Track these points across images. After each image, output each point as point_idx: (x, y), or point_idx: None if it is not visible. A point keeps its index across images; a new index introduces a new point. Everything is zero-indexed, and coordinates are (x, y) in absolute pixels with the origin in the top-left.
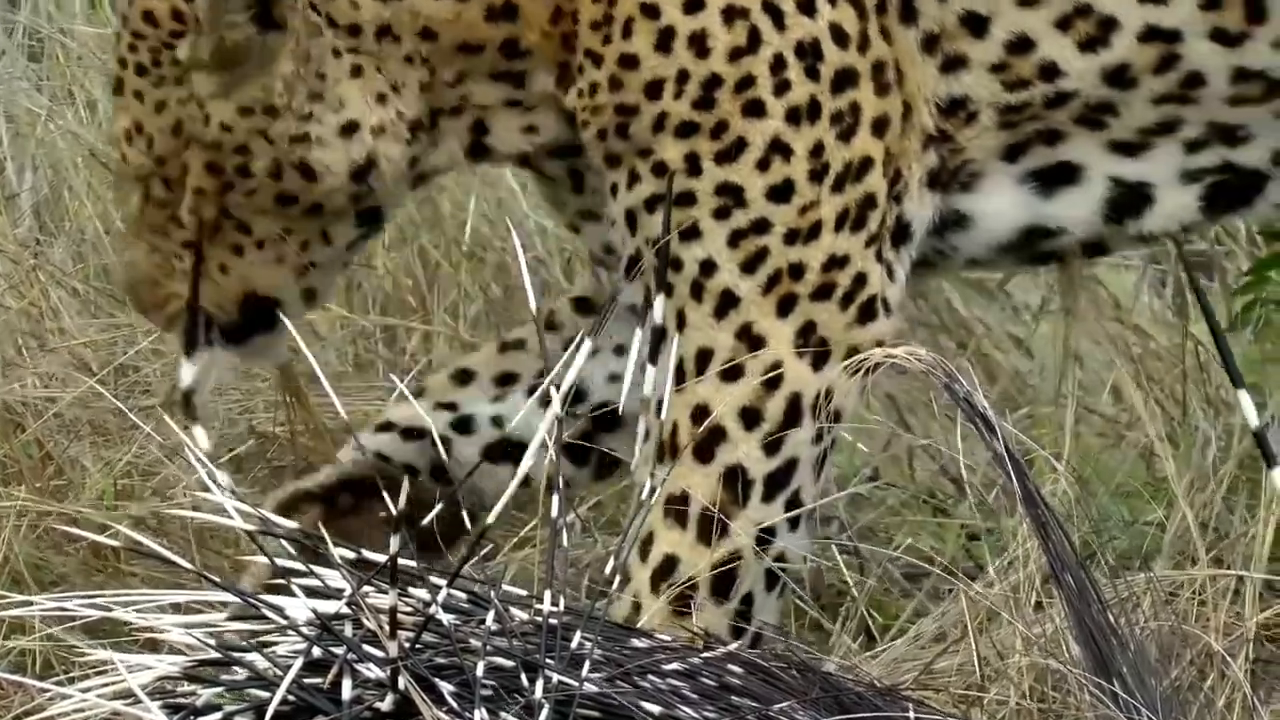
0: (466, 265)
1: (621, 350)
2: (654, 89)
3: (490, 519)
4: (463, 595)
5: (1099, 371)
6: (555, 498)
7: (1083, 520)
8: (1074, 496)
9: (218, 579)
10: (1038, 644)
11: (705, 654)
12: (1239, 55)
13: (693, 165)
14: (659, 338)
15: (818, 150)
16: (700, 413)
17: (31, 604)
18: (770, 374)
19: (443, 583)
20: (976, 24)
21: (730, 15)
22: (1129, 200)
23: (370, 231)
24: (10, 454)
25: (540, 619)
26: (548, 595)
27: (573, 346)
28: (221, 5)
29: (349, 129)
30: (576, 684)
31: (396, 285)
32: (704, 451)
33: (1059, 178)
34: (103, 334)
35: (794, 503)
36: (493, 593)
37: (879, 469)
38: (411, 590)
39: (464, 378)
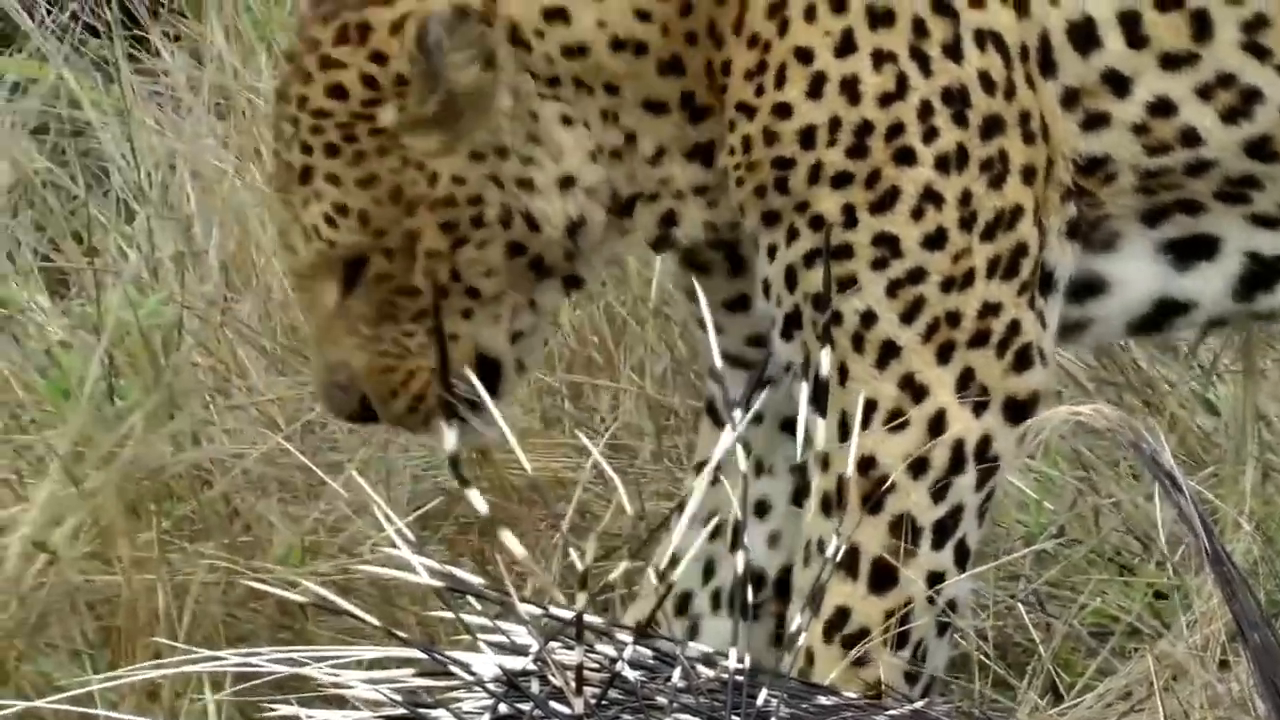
0: (653, 322)
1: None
2: (808, 137)
3: (675, 574)
4: (649, 652)
5: None
6: (740, 555)
7: (1269, 578)
8: (1259, 555)
9: (404, 635)
10: (1224, 702)
11: (890, 711)
12: None
13: (849, 217)
14: (823, 391)
15: (966, 198)
16: (867, 463)
17: (220, 660)
18: (934, 422)
19: (629, 639)
20: (1118, 83)
21: (879, 59)
22: (1263, 275)
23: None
24: (198, 511)
25: (726, 676)
26: (733, 652)
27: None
28: (440, 58)
29: (566, 182)
30: None
31: (583, 342)
32: (872, 502)
33: (1196, 250)
34: (290, 390)
35: (961, 549)
36: (679, 649)
37: (1065, 526)
38: (598, 646)
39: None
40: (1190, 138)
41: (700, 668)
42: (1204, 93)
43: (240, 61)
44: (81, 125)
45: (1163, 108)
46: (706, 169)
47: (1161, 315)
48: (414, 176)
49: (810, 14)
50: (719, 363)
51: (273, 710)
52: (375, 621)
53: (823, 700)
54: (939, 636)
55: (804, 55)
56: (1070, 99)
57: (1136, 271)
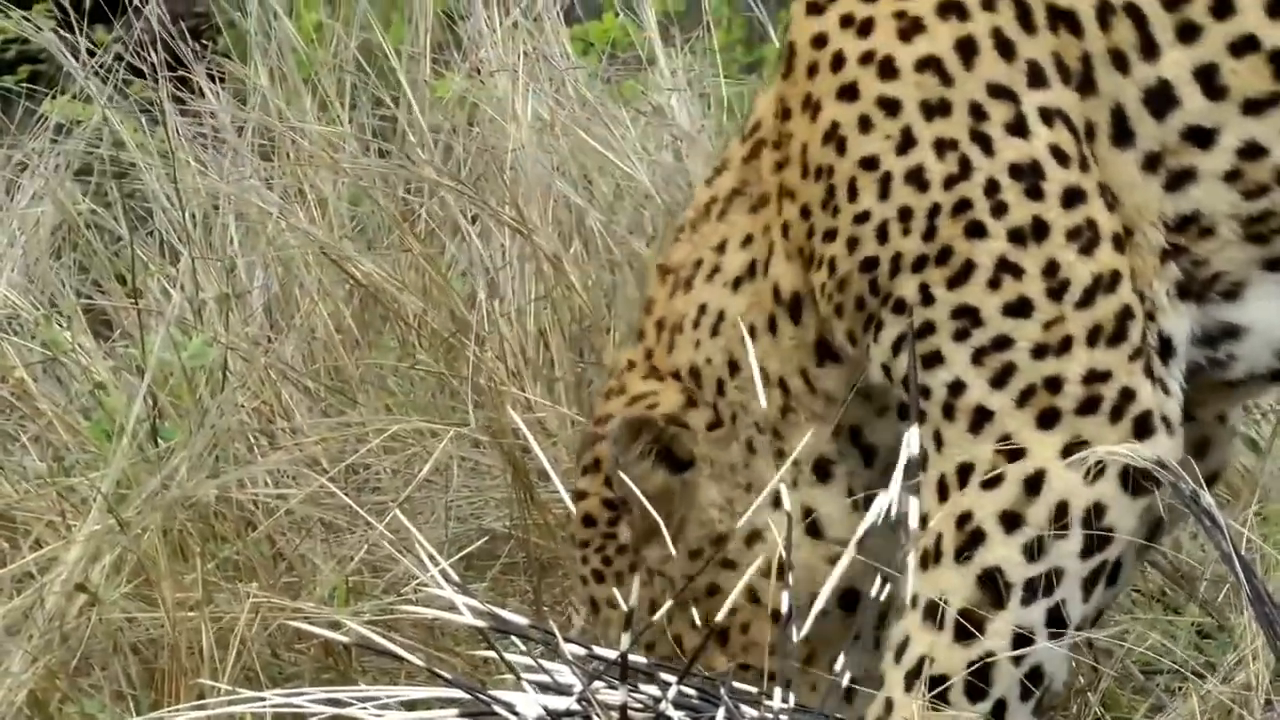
0: None
1: None
2: (883, 233)
3: (720, 614)
4: (693, 692)
5: None
6: (785, 594)
7: None
8: None
9: (448, 675)
10: None
11: None
12: None
13: (925, 295)
14: (918, 466)
15: (1052, 268)
16: (962, 520)
17: (263, 700)
18: (1032, 480)
19: (673, 679)
20: (1202, 137)
21: (941, 147)
22: None
23: None
24: (242, 552)
25: (770, 715)
26: (778, 691)
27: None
28: (621, 477)
29: (753, 538)
30: None
31: None
32: (963, 554)
33: None
34: (333, 432)
35: (1057, 615)
36: (723, 689)
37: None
38: (642, 686)
39: None
40: None
41: (744, 707)
42: None
43: (284, 102)
44: (125, 167)
45: (1253, 151)
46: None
47: None
48: (661, 584)
49: (865, 124)
50: (763, 403)
51: None
52: (419, 661)
53: None
54: (1022, 700)
55: (869, 163)
56: (1152, 162)
57: (1270, 314)
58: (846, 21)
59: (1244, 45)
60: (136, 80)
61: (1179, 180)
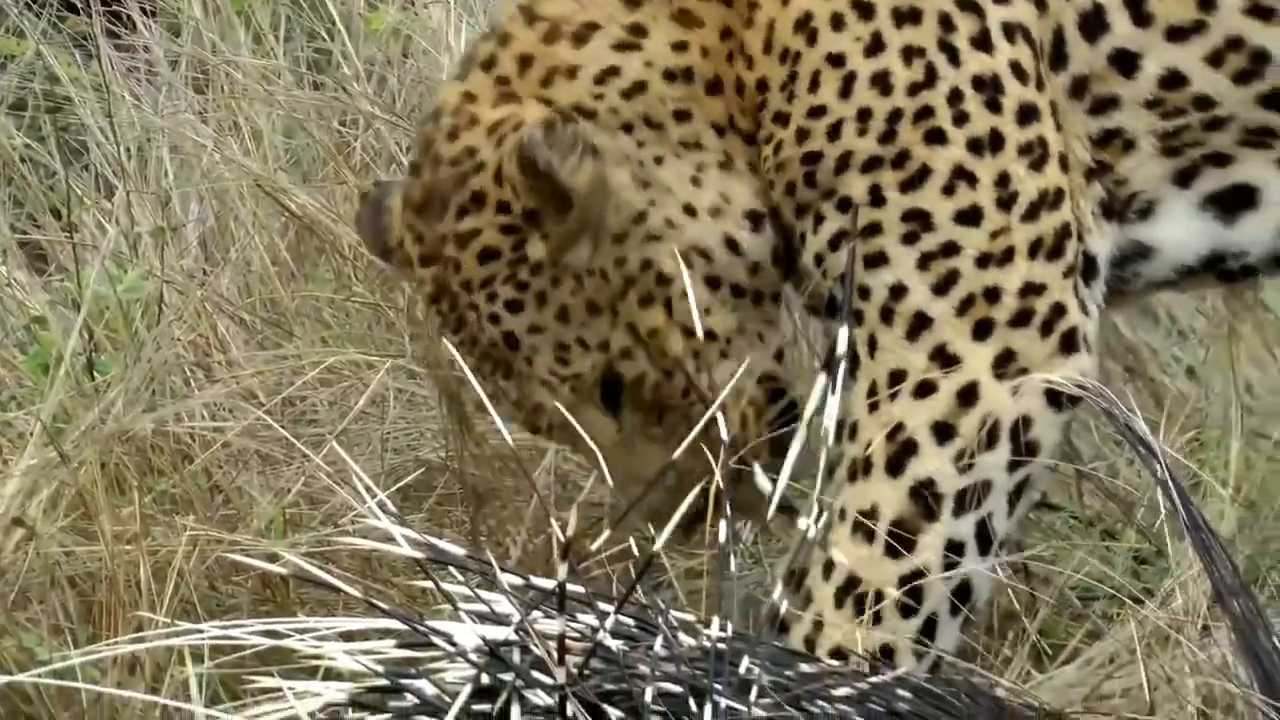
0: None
1: None
2: (836, 131)
3: (658, 545)
4: (631, 621)
5: (1266, 395)
6: (723, 523)
7: (1248, 544)
8: (1239, 521)
9: (385, 606)
10: (1205, 668)
11: (873, 678)
12: None
13: (876, 196)
14: (850, 367)
15: (1004, 179)
16: (894, 430)
17: (201, 632)
18: (965, 392)
19: (611, 609)
20: (1126, 62)
21: (909, 54)
22: None
23: None
24: (179, 485)
25: (708, 644)
26: (716, 620)
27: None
28: (557, 172)
29: (689, 210)
30: (745, 709)
31: None
32: (895, 465)
33: (1238, 202)
34: (269, 364)
35: (984, 529)
36: (661, 618)
37: (1047, 493)
38: (579, 616)
39: None
40: (1204, 102)
41: (683, 636)
42: (1214, 60)
43: (219, 35)
44: (59, 101)
45: (1174, 80)
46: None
47: (1213, 265)
48: (593, 284)
49: (838, 22)
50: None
51: (254, 682)
52: (356, 593)
53: (805, 668)
54: (951, 615)
55: (836, 60)
56: (1079, 87)
57: (1178, 233)
58: None
59: None
60: (70, 15)
61: (1102, 106)
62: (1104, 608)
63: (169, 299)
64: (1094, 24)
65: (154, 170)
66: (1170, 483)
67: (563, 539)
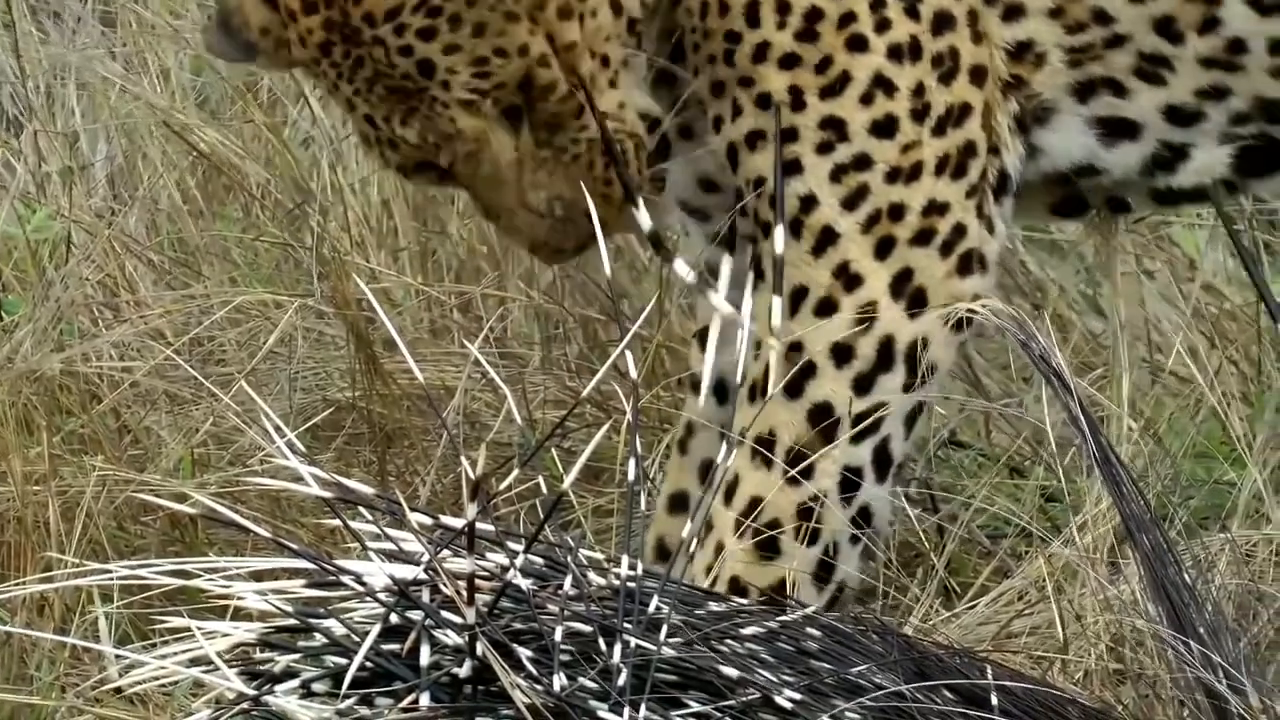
0: None
1: None
2: (754, 17)
3: (566, 484)
4: (540, 560)
5: (1172, 332)
6: (631, 462)
7: (1157, 480)
8: (1148, 457)
9: (294, 546)
10: (1115, 604)
11: (783, 617)
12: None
13: (797, 99)
14: (775, 271)
15: (920, 90)
16: (793, 349)
17: (110, 572)
18: (864, 313)
19: (520, 548)
20: None
21: None
22: (1168, 159)
23: None
24: (88, 425)
25: (618, 583)
26: (625, 559)
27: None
28: None
29: None
30: (654, 648)
31: (471, 252)
32: (793, 387)
33: (1122, 132)
34: (177, 304)
35: (882, 452)
36: (570, 558)
37: (956, 430)
38: (489, 555)
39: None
40: (1102, 16)
41: (592, 575)
42: None
43: None
44: None
45: None
46: None
47: (1076, 176)
48: None
49: None
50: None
51: (163, 622)
52: (265, 533)
53: (715, 607)
54: (852, 544)
55: None
56: None
57: (1065, 142)
58: None
59: None
60: None
61: (1012, 13)
62: (1012, 545)
63: (77, 238)
64: None
65: (61, 108)
66: (1083, 417)
67: (471, 478)
